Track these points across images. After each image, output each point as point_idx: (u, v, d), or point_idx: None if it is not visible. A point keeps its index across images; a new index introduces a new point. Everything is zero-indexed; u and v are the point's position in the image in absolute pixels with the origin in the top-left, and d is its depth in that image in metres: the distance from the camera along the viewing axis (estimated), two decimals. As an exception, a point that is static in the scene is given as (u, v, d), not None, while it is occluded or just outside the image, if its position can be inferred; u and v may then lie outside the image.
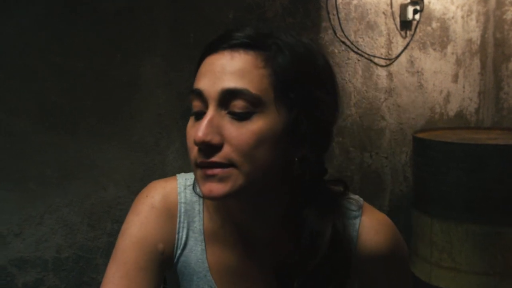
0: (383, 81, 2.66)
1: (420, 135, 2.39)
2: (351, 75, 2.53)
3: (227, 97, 0.67)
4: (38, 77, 1.74)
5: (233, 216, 0.80)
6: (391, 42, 2.66)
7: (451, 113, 3.02)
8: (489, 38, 3.16)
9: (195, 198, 0.83)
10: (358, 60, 2.55)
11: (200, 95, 0.69)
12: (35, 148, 1.75)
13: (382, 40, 2.63)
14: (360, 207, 0.83)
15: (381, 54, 2.63)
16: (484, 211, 2.06)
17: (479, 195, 2.06)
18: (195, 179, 0.77)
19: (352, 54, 2.52)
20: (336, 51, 2.46)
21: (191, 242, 0.81)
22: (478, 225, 2.07)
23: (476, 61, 3.11)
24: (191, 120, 0.72)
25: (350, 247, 0.78)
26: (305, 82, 0.70)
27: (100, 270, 1.88)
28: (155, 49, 1.93)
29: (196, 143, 0.67)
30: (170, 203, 0.82)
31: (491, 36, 3.18)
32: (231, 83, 0.67)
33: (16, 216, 1.74)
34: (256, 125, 0.67)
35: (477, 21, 3.08)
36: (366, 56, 2.56)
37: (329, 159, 2.71)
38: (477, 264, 2.08)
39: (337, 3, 2.40)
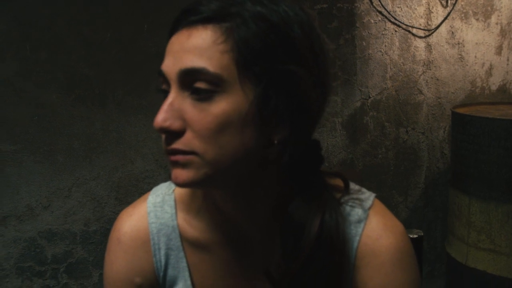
0: (421, 53, 2.54)
1: (460, 110, 2.28)
2: (388, 47, 2.42)
3: (186, 78, 0.62)
4: (66, 48, 1.72)
5: (220, 211, 0.74)
6: (430, 12, 2.53)
7: (493, 87, 2.88)
8: (537, 8, 2.98)
9: (168, 212, 0.78)
10: (395, 31, 2.43)
11: (163, 76, 0.65)
12: (63, 121, 1.74)
13: (421, 10, 2.50)
14: (368, 208, 0.74)
15: (420, 24, 2.50)
16: (527, 191, 1.96)
17: (522, 174, 1.95)
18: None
19: (389, 24, 2.41)
20: (372, 21, 2.35)
21: (172, 261, 0.77)
22: (520, 206, 1.96)
23: (522, 32, 2.94)
24: None
25: (343, 249, 0.70)
26: (273, 55, 0.63)
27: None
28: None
29: (156, 130, 0.63)
30: (139, 230, 0.78)
31: (539, 5, 2.99)
32: (188, 62, 0.62)
33: (44, 189, 1.74)
34: (219, 107, 0.61)
35: (524, -11, 2.89)
36: (403, 26, 2.45)
37: (363, 134, 2.60)
38: (518, 246, 1.98)
39: (374, -30, 2.29)
